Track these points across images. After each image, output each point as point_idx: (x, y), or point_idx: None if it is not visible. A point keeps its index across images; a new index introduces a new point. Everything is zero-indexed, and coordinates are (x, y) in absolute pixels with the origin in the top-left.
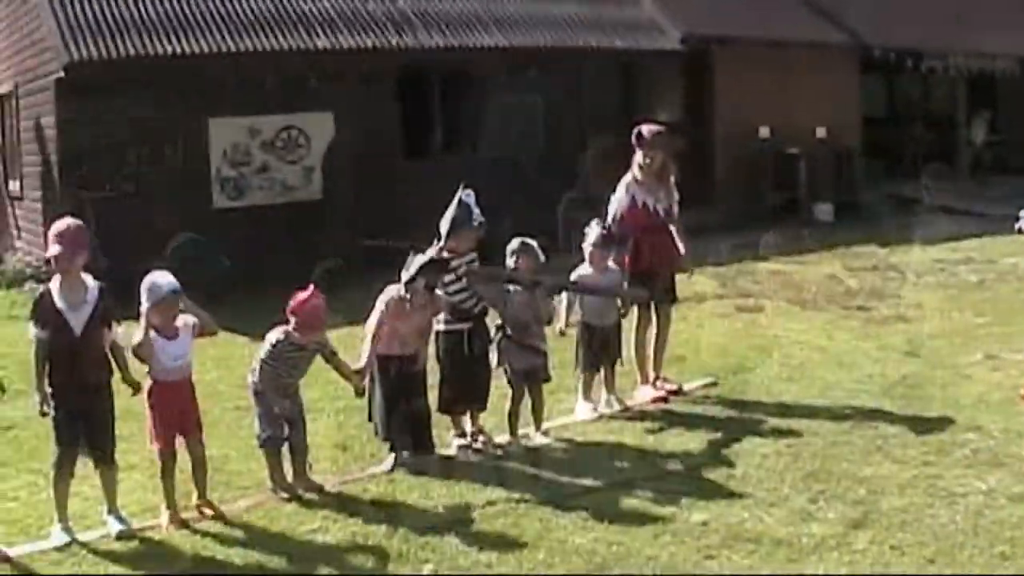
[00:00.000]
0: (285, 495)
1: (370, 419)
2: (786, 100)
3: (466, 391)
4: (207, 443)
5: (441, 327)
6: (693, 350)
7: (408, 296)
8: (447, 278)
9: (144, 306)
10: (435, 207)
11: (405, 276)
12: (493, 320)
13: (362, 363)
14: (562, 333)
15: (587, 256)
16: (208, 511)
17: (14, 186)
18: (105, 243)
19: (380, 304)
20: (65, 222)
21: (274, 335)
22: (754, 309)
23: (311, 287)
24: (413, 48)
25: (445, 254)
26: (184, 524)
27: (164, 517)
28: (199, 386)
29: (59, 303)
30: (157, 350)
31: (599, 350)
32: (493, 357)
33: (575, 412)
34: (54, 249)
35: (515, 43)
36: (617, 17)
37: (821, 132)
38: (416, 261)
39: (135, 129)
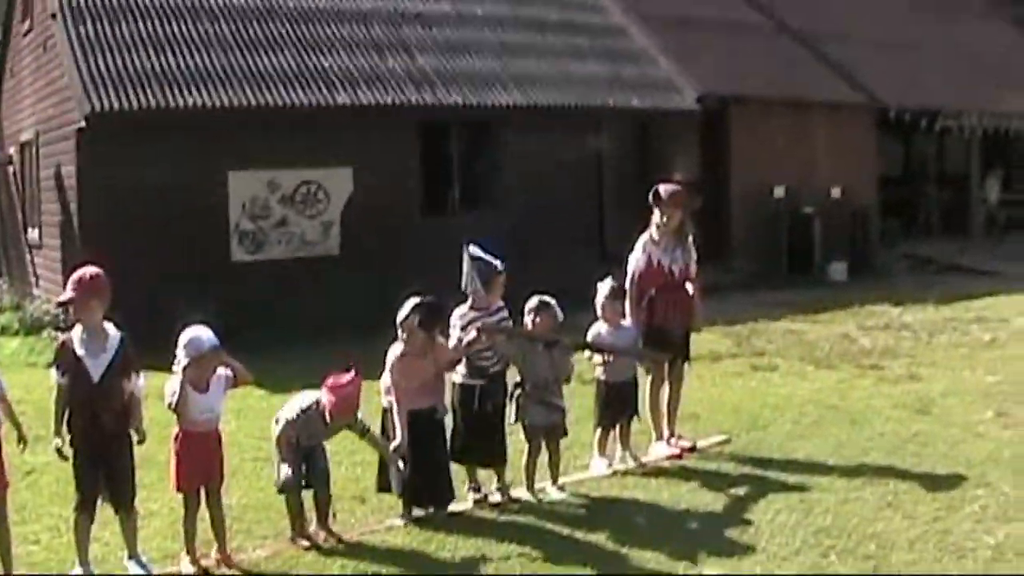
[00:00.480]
0: (305, 543)
1: (380, 478)
2: (802, 159)
3: (477, 445)
4: (227, 492)
5: (458, 379)
6: (708, 408)
7: (404, 335)
8: (470, 335)
9: (182, 359)
10: (452, 263)
11: (400, 316)
12: (512, 376)
13: (396, 442)
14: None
15: (599, 310)
16: (225, 567)
17: (33, 234)
18: (122, 296)
19: (387, 366)
20: (84, 270)
21: (305, 401)
22: (768, 368)
23: (353, 371)
24: (433, 105)
25: (475, 313)
26: (205, 571)
27: (184, 562)
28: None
29: (79, 350)
30: (189, 402)
31: (616, 406)
32: (511, 412)
33: (590, 467)
34: (67, 294)
35: (534, 101)
36: (635, 76)
37: (836, 191)
38: (409, 302)
39: (155, 180)
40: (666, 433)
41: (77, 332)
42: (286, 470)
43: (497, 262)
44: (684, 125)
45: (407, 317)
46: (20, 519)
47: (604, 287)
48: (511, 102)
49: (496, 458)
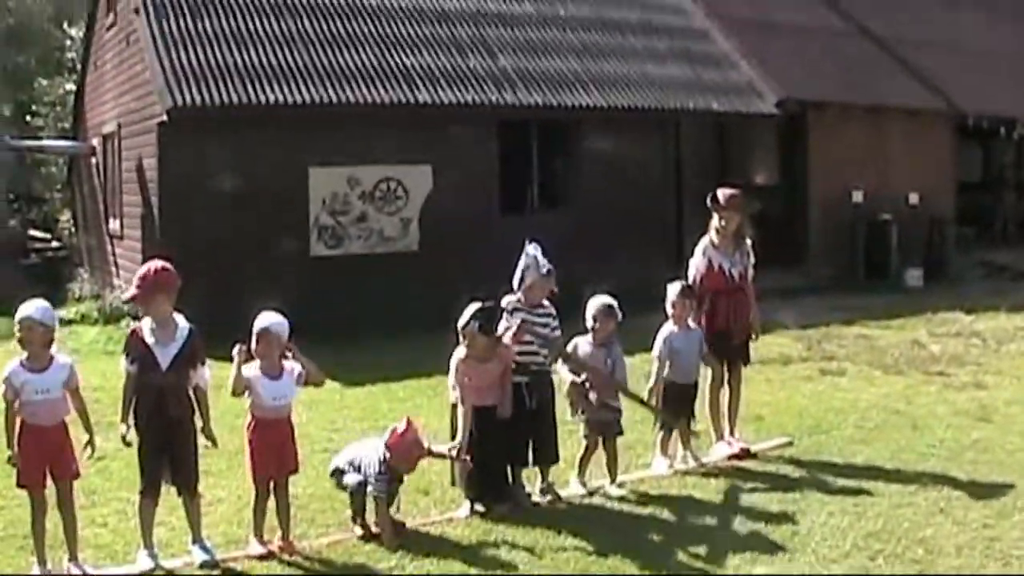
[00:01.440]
0: (359, 532)
1: (454, 472)
2: (880, 165)
3: (523, 443)
4: (295, 482)
5: None
6: (773, 411)
7: (465, 341)
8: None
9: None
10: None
11: (461, 321)
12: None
13: (458, 439)
14: (649, 397)
15: (669, 310)
16: (287, 554)
17: (114, 225)
18: (201, 288)
19: (451, 367)
20: (150, 265)
21: (376, 466)
22: (837, 372)
23: (406, 421)
24: (513, 105)
25: (519, 304)
26: (271, 553)
27: (253, 544)
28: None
29: (148, 339)
30: (260, 388)
31: (678, 406)
32: (567, 409)
33: (652, 466)
34: (131, 291)
35: (613, 103)
36: (715, 80)
37: (914, 198)
38: (470, 307)
39: (235, 175)
40: (727, 434)
41: (147, 322)
42: (355, 477)
43: (545, 264)
44: (763, 129)
45: (467, 324)
46: (89, 503)
47: (674, 287)
48: (590, 103)
49: (543, 456)
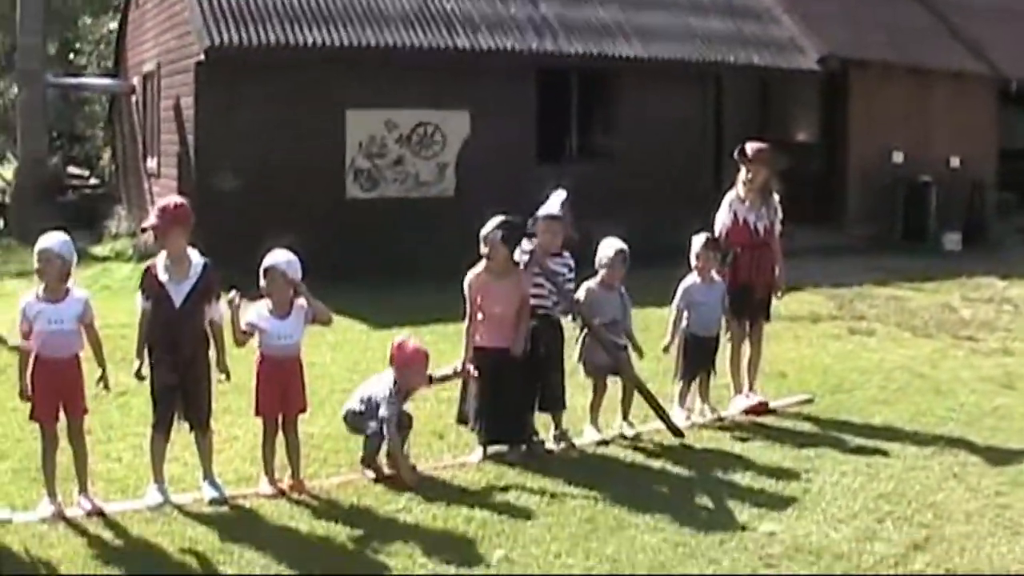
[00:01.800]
0: (371, 474)
1: (461, 409)
2: (922, 127)
3: (534, 389)
4: (311, 421)
5: None
6: (797, 368)
7: (486, 249)
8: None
9: (262, 283)
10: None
11: (484, 231)
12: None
13: (459, 361)
14: (665, 350)
15: (693, 262)
16: (296, 493)
17: (152, 163)
18: (236, 227)
19: (465, 286)
20: (169, 199)
21: (387, 389)
22: (865, 332)
23: (407, 336)
24: (552, 53)
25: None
26: (281, 492)
27: (263, 483)
28: (312, 368)
29: (162, 276)
30: (266, 327)
31: (698, 360)
32: (576, 352)
33: (674, 415)
34: (150, 220)
35: (654, 54)
36: (758, 34)
37: (955, 161)
38: (494, 219)
39: (272, 116)
40: (745, 388)
41: (161, 259)
42: (373, 425)
43: (556, 210)
44: (804, 86)
45: (491, 231)
46: (106, 438)
47: (699, 239)
48: (631, 54)
49: (551, 403)
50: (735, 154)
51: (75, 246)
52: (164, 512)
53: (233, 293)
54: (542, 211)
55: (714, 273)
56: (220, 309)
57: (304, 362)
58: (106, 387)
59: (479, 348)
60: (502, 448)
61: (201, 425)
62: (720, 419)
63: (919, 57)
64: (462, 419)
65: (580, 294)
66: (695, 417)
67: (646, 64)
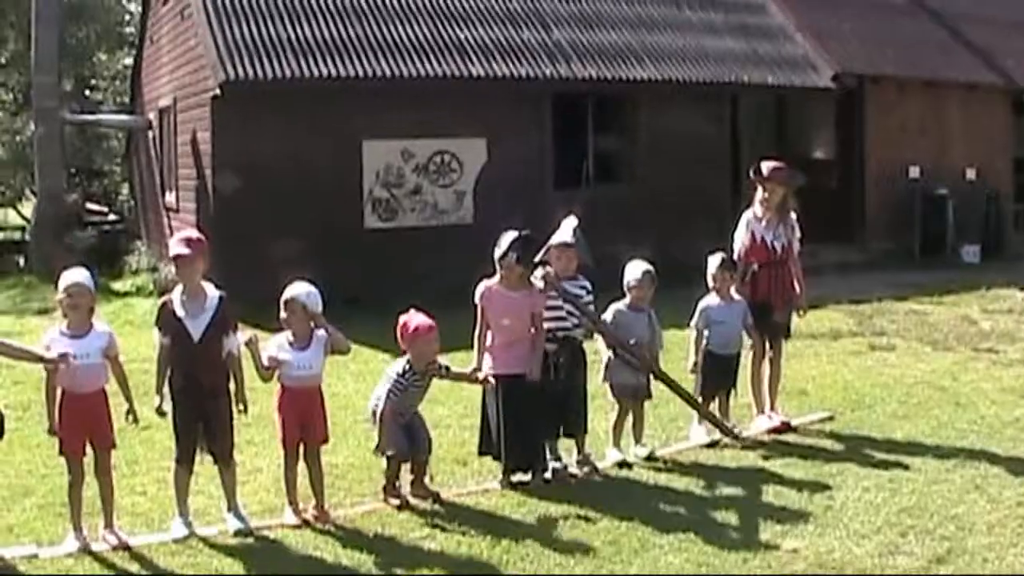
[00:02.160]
0: (395, 502)
1: (482, 437)
2: (937, 140)
3: (556, 413)
4: (335, 451)
5: None
6: (818, 385)
7: (502, 271)
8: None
9: (283, 315)
10: (585, 235)
11: (497, 252)
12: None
13: (472, 364)
14: (692, 372)
15: (711, 282)
16: (321, 519)
17: (170, 198)
18: (255, 260)
19: (477, 297)
20: (189, 231)
21: (398, 368)
22: (886, 347)
23: (411, 311)
24: (567, 78)
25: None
26: (306, 522)
27: (288, 513)
28: (335, 398)
29: (179, 311)
30: (287, 359)
31: (717, 378)
32: (600, 373)
33: (690, 435)
34: (180, 248)
35: (669, 76)
36: (772, 53)
37: (971, 173)
38: (507, 237)
39: (289, 148)
40: (767, 407)
41: (177, 294)
42: (395, 440)
43: (567, 237)
44: (820, 103)
45: (505, 254)
46: (131, 472)
47: (715, 259)
48: (646, 76)
49: (573, 426)
50: (751, 174)
51: (96, 282)
52: (189, 545)
53: (252, 334)
54: (555, 239)
55: (733, 291)
56: (237, 341)
57: (326, 392)
58: (135, 420)
59: (500, 376)
60: (524, 477)
61: (224, 457)
62: (739, 438)
63: (933, 70)
64: (485, 450)
65: (608, 315)
66: (715, 434)
67: (661, 86)
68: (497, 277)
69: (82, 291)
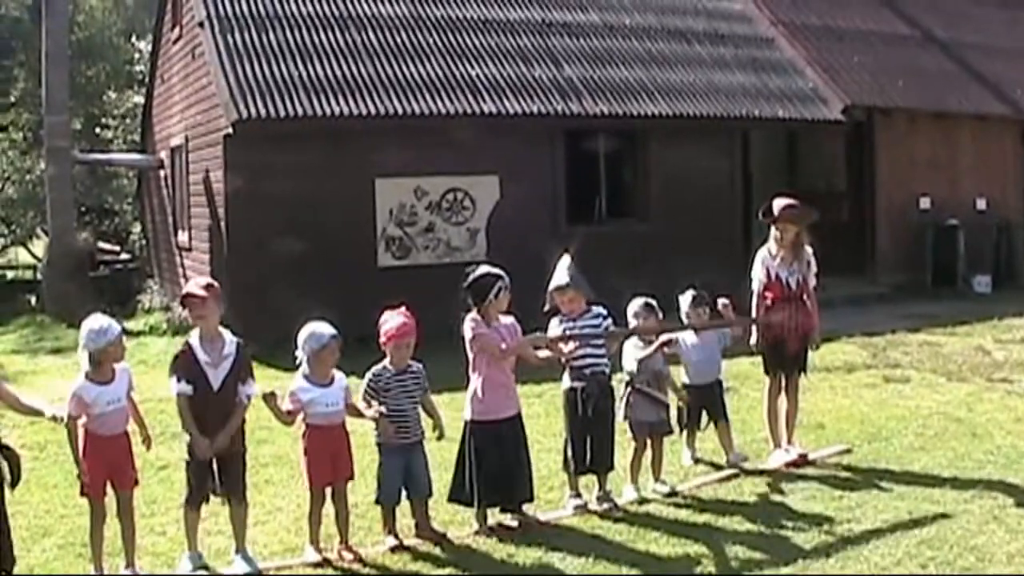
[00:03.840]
0: (393, 541)
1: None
2: (948, 171)
3: (585, 450)
4: (355, 490)
5: (565, 384)
6: (834, 418)
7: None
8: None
9: (302, 354)
10: (598, 272)
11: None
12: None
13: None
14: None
15: (685, 320)
16: (348, 555)
17: (183, 237)
18: (268, 299)
19: (466, 329)
20: (206, 279)
21: (376, 369)
22: (900, 379)
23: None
24: (579, 114)
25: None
26: (326, 561)
27: (309, 551)
28: (354, 437)
29: (202, 357)
30: (312, 398)
31: (699, 407)
32: (620, 409)
33: (682, 459)
34: (192, 288)
35: (680, 111)
36: (782, 87)
37: (981, 204)
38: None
39: (301, 186)
40: (784, 442)
41: (196, 338)
42: (388, 482)
43: (564, 278)
44: (830, 136)
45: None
46: (150, 512)
47: (685, 297)
48: (657, 112)
49: (598, 462)
50: (760, 215)
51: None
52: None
53: (271, 389)
54: (552, 284)
55: (689, 339)
56: (252, 391)
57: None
58: (149, 445)
59: (479, 422)
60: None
61: (237, 496)
62: (739, 472)
63: (942, 102)
64: (452, 498)
65: (625, 352)
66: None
67: (672, 121)
68: (482, 313)
69: (119, 342)
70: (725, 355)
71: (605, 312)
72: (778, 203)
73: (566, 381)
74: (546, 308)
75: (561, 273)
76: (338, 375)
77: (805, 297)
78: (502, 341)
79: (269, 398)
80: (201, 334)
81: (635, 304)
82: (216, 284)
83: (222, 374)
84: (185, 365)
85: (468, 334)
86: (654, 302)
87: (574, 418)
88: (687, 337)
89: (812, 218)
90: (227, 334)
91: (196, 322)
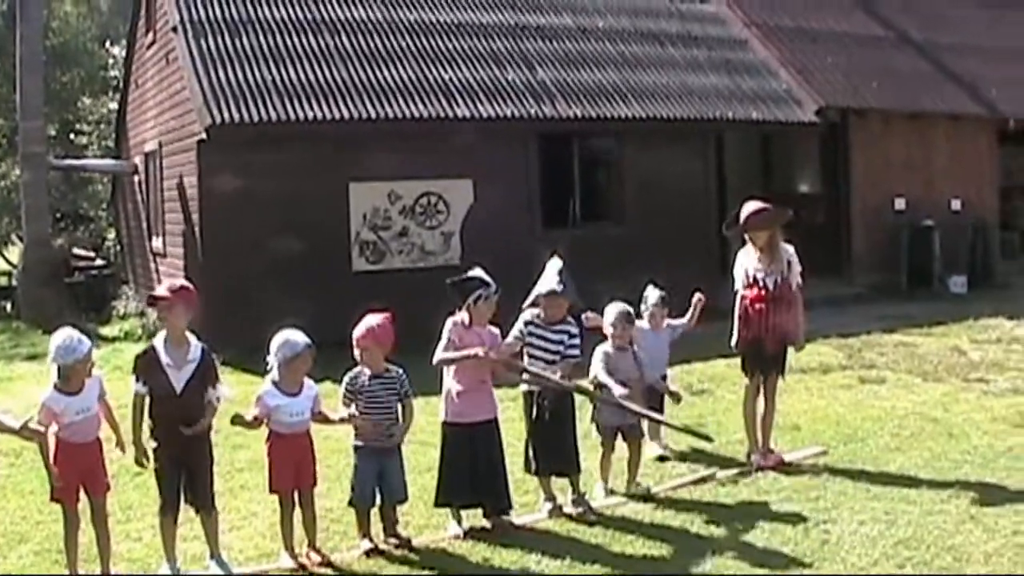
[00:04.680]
0: (368, 545)
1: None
2: (923, 172)
3: (544, 453)
4: (330, 495)
5: (523, 388)
6: (810, 420)
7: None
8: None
9: (274, 359)
10: (573, 276)
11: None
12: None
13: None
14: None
15: (647, 316)
16: (316, 557)
17: (157, 243)
18: (243, 305)
19: (446, 331)
20: (178, 280)
21: (352, 373)
22: (876, 380)
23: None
24: (553, 118)
25: (537, 319)
26: (302, 567)
27: (284, 557)
28: (328, 442)
29: (164, 360)
30: (278, 405)
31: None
32: (590, 412)
33: (647, 451)
34: (160, 290)
35: (654, 114)
36: (755, 89)
37: (956, 204)
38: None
39: (275, 191)
40: (760, 444)
41: (161, 342)
42: (362, 486)
43: (557, 284)
44: (804, 138)
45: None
46: (125, 517)
47: (611, 311)
48: (631, 114)
49: (565, 465)
50: (724, 229)
51: (85, 327)
52: None
53: (236, 414)
54: (543, 286)
55: (643, 326)
56: (219, 393)
57: (319, 435)
58: (123, 449)
59: (453, 424)
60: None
61: (206, 506)
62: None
63: (917, 102)
64: (439, 503)
65: (597, 357)
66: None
67: (646, 124)
68: (465, 316)
69: (89, 358)
70: (701, 359)
71: (577, 331)
72: (745, 210)
73: (523, 384)
74: (527, 304)
75: (552, 278)
76: (308, 383)
77: (788, 298)
78: (481, 346)
79: (236, 420)
80: (167, 336)
81: (611, 313)
82: (191, 287)
83: (185, 377)
84: (145, 366)
85: (446, 335)
86: (629, 310)
87: (531, 422)
88: (642, 324)
89: (783, 219)
90: (193, 339)
91: (161, 324)
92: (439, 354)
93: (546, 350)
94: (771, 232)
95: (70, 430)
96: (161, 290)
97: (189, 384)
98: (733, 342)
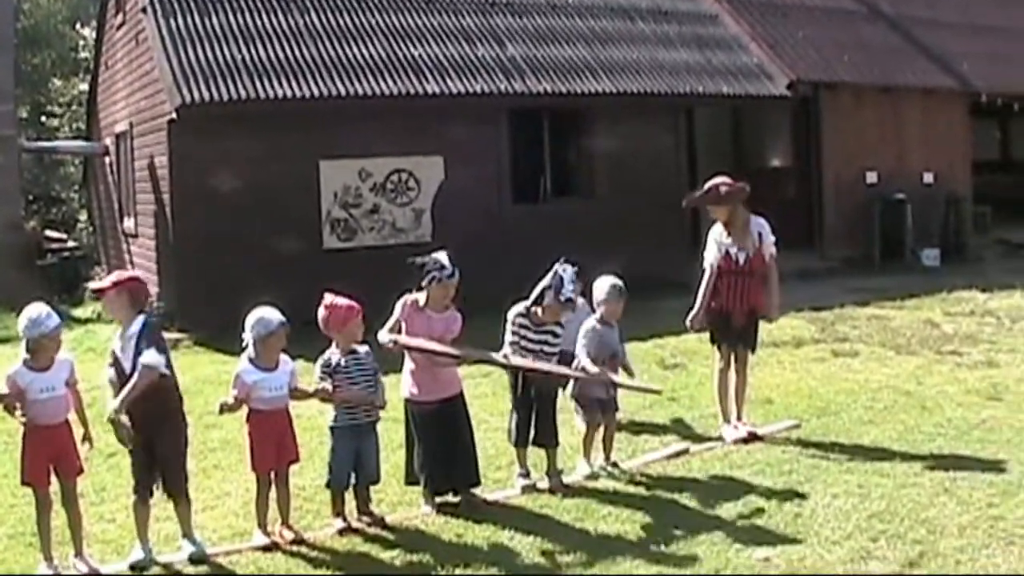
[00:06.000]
0: (341, 524)
1: (408, 471)
2: (894, 145)
3: (525, 426)
4: (302, 473)
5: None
6: (783, 393)
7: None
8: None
9: (249, 337)
10: (544, 250)
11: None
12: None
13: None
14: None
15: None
16: (288, 534)
17: (129, 223)
18: (215, 284)
19: (398, 307)
20: (127, 272)
21: (324, 356)
22: (849, 353)
23: (328, 296)
24: (523, 93)
25: (525, 320)
26: (275, 546)
27: (257, 535)
28: (300, 420)
29: (115, 346)
30: (256, 382)
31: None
32: (570, 386)
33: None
34: (100, 283)
35: (624, 89)
36: (726, 63)
37: (929, 177)
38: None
39: (246, 170)
40: (733, 418)
41: (116, 333)
42: (339, 467)
43: (567, 293)
44: (776, 112)
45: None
46: (99, 499)
47: (604, 286)
48: (601, 89)
49: (546, 438)
50: (684, 205)
51: (58, 308)
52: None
53: (223, 400)
54: (563, 292)
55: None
56: (146, 359)
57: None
58: (90, 445)
59: (417, 402)
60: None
61: (177, 491)
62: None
63: (888, 76)
64: (410, 481)
65: (583, 331)
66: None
67: (616, 99)
68: (422, 296)
69: (58, 334)
70: (674, 333)
71: (561, 333)
72: (708, 185)
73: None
74: (529, 302)
75: (570, 285)
76: (284, 359)
77: (762, 271)
78: (427, 333)
79: (223, 409)
80: (120, 325)
81: (603, 285)
82: (135, 278)
83: (130, 354)
84: (112, 354)
85: (396, 314)
86: (621, 284)
87: (517, 396)
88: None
89: (740, 195)
90: (138, 318)
91: (104, 309)
92: (382, 334)
93: (526, 348)
94: (729, 208)
95: (35, 409)
96: (100, 282)
97: (135, 362)
98: (690, 317)
